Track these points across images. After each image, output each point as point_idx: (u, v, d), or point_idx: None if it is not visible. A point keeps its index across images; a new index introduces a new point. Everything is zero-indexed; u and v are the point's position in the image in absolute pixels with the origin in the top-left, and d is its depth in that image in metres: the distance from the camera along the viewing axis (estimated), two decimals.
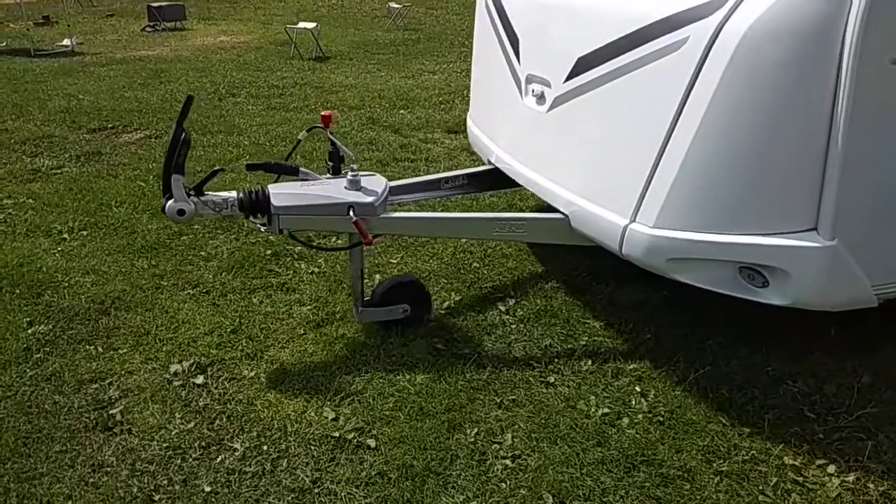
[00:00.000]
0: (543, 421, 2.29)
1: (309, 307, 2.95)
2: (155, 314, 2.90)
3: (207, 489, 2.01)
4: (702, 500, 1.98)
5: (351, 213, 2.51)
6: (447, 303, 3.00)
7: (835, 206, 1.93)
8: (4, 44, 9.64)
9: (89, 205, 4.00)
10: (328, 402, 2.37)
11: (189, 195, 2.48)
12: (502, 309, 2.95)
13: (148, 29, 11.16)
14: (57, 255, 3.40)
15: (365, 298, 2.73)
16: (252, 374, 2.52)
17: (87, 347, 2.67)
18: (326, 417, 2.29)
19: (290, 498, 1.99)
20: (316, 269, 3.26)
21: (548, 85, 2.62)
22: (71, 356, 2.61)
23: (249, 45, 9.78)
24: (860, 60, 1.79)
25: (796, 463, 2.10)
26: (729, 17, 1.89)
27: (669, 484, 2.03)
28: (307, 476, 2.06)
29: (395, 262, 3.34)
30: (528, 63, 2.78)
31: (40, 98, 6.49)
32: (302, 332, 2.78)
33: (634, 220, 2.22)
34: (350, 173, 2.61)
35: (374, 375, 2.50)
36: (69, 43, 9.38)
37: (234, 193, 2.54)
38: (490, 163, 3.18)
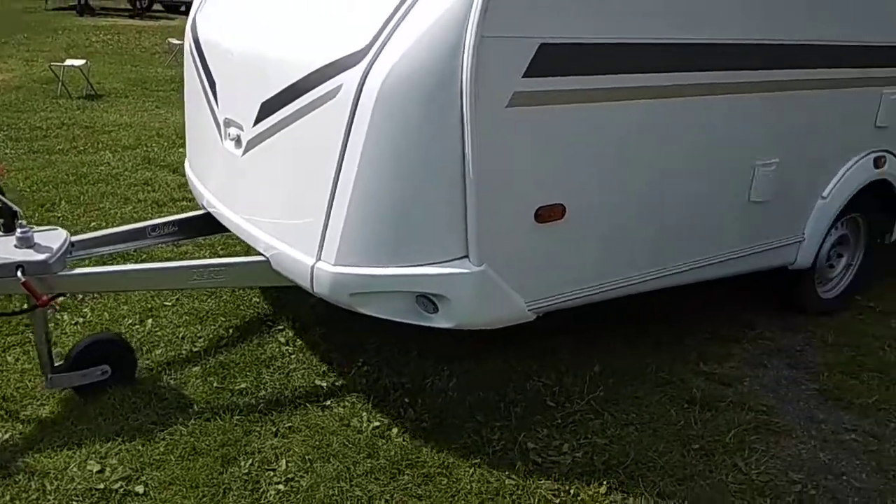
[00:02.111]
0: (318, 443, 2.41)
1: None
2: None
3: None
4: (458, 491, 2.21)
5: (20, 273, 2.34)
6: (224, 340, 3.02)
7: (478, 235, 2.14)
8: None
9: None
10: (93, 455, 2.30)
11: None
12: (282, 340, 3.03)
13: None
14: None
15: (57, 363, 2.55)
16: (6, 436, 2.37)
17: None
18: (91, 470, 2.23)
19: None
20: (81, 320, 3.11)
21: (241, 129, 2.68)
22: None
23: (9, 84, 8.92)
24: (478, 106, 2.02)
25: (537, 447, 2.42)
26: (371, 67, 2.07)
27: (430, 482, 2.24)
28: None
29: (169, 304, 3.29)
30: (226, 107, 2.83)
31: None
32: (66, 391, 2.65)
33: (319, 260, 2.31)
34: (20, 230, 2.45)
35: (144, 422, 2.47)
36: None
37: None
38: (203, 207, 3.15)
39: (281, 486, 2.20)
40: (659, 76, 2.33)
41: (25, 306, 2.55)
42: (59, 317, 3.12)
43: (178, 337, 3.02)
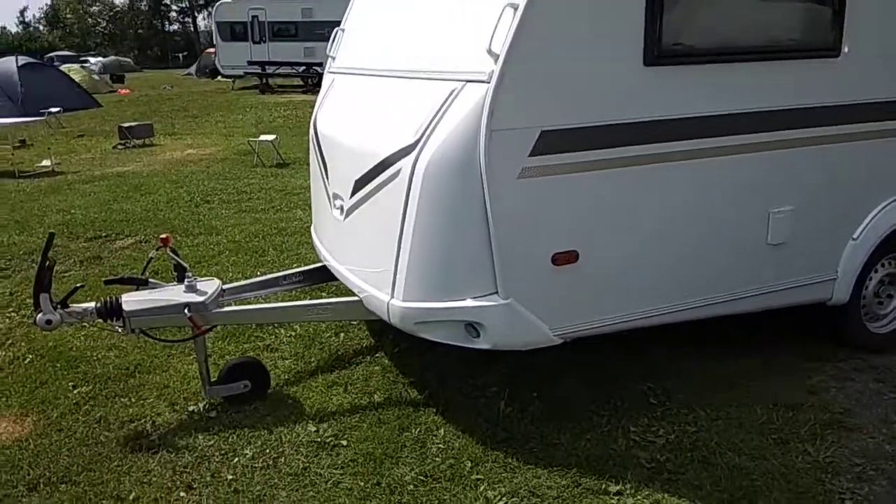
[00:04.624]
0: (467, 419, 3.20)
1: (290, 360, 3.85)
2: (170, 374, 3.74)
3: (230, 478, 2.86)
4: (571, 456, 2.90)
5: (186, 310, 3.22)
6: (398, 350, 3.92)
7: (502, 276, 2.75)
8: None
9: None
10: (311, 421, 3.24)
11: (55, 308, 3.17)
12: (441, 351, 3.87)
13: (119, 146, 12.17)
14: (82, 337, 4.23)
15: (213, 379, 3.39)
16: (252, 407, 3.38)
17: (122, 400, 3.51)
18: (310, 430, 3.17)
19: (288, 479, 2.85)
20: (293, 333, 4.16)
21: (343, 200, 3.42)
22: (111, 406, 3.45)
23: (215, 156, 10.85)
24: (493, 178, 2.67)
25: (637, 430, 3.06)
26: (419, 155, 2.81)
27: (551, 448, 2.95)
28: (300, 465, 2.93)
29: (355, 323, 4.25)
30: (334, 183, 3.61)
31: (37, 214, 7.36)
32: (286, 378, 3.66)
33: (392, 297, 2.97)
34: (187, 280, 3.35)
35: (342, 401, 3.40)
36: (49, 163, 10.26)
37: (92, 304, 3.26)
38: (321, 261, 3.93)
39: (441, 445, 3.02)
40: (645, 147, 2.88)
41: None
42: (278, 331, 4.19)
43: (365, 346, 3.97)
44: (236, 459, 2.98)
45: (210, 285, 3.41)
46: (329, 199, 3.71)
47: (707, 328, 3.42)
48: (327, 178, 3.76)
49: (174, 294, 3.34)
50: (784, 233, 3.27)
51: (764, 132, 3.11)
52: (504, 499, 2.68)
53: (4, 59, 19.75)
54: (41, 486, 2.86)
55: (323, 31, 21.94)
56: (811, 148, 3.23)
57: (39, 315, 3.15)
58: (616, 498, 2.67)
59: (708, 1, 3.00)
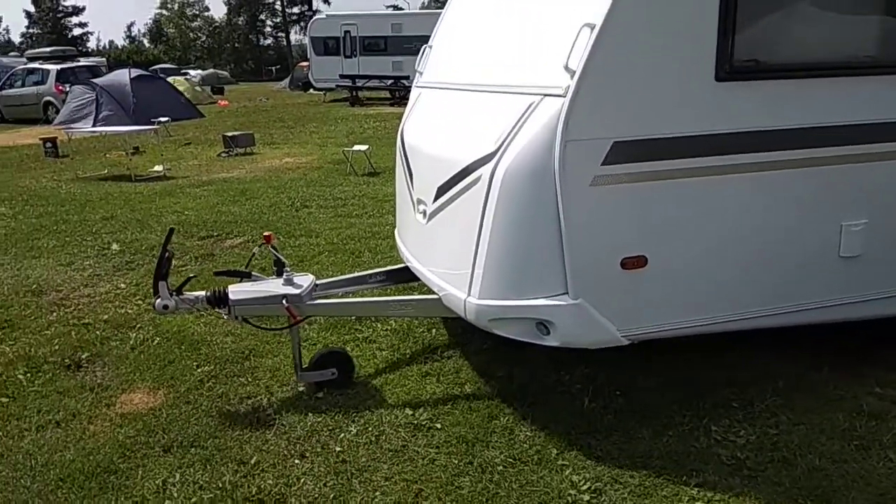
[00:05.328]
0: (553, 412, 3.41)
1: (386, 351, 4.16)
2: (281, 359, 4.12)
3: (338, 450, 3.18)
4: (652, 450, 3.06)
5: (284, 301, 3.55)
6: (486, 346, 4.17)
7: (572, 277, 2.91)
8: (106, 171, 11.46)
9: None
10: (408, 406, 3.53)
11: (171, 295, 3.54)
12: (527, 351, 4.10)
13: (223, 154, 12.99)
14: (201, 324, 4.69)
15: (304, 366, 3.69)
16: (355, 390, 3.71)
17: (240, 379, 3.90)
18: (407, 413, 3.46)
19: (389, 454, 3.14)
20: (389, 327, 4.48)
21: (426, 205, 3.64)
22: (231, 384, 3.85)
23: (311, 165, 11.44)
24: (567, 185, 2.83)
25: (718, 429, 3.18)
26: (498, 163, 3.00)
27: (631, 441, 3.13)
28: (399, 443, 3.22)
29: (448, 318, 4.53)
30: (418, 190, 3.83)
31: (154, 214, 8.05)
32: (383, 367, 3.98)
33: (469, 295, 3.17)
34: (286, 274, 3.67)
35: (435, 390, 3.68)
36: (161, 169, 11.12)
37: (203, 293, 3.61)
38: (404, 262, 4.18)
39: (528, 433, 3.24)
40: (712, 158, 2.99)
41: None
42: (375, 325, 4.52)
43: (454, 342, 4.24)
44: (342, 435, 3.30)
45: (305, 280, 3.71)
46: (413, 204, 3.97)
47: (798, 335, 3.49)
48: (412, 184, 4.01)
49: (274, 286, 3.67)
50: (857, 246, 3.29)
51: (835, 146, 3.15)
52: (588, 483, 2.88)
53: (118, 71, 21.33)
54: (174, 448, 3.26)
55: (410, 45, 22.63)
56: (888, 162, 3.25)
57: (158, 300, 3.56)
58: (696, 489, 2.82)
59: (778, 20, 3.10)
